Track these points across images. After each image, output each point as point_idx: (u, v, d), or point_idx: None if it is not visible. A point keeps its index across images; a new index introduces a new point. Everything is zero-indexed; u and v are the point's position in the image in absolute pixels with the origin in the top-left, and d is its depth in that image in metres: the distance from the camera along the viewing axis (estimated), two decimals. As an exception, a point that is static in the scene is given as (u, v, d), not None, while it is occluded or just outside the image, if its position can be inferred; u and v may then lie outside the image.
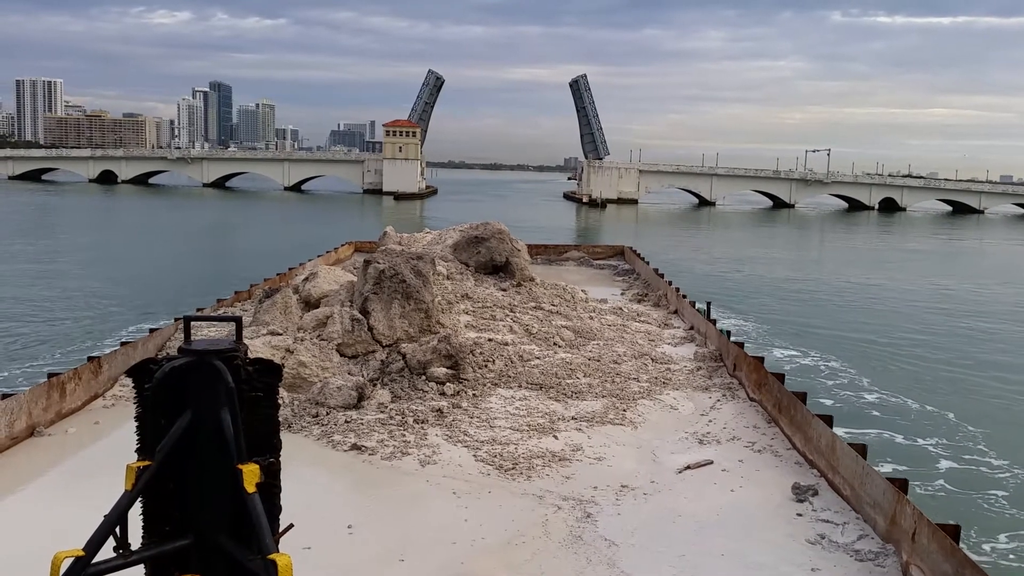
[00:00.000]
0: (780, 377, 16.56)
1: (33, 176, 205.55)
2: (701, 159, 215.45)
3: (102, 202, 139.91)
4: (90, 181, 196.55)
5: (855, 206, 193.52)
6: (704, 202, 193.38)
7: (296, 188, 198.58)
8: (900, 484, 10.76)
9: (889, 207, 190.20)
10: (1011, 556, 17.22)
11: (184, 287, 46.58)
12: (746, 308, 46.85)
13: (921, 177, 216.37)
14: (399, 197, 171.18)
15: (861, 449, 12.13)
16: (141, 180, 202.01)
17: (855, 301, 52.01)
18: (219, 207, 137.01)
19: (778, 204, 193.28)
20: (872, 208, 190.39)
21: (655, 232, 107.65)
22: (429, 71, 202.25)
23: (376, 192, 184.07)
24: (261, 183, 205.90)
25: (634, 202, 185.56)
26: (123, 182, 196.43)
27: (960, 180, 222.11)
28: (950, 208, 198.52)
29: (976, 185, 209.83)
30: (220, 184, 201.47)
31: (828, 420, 13.60)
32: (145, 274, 54.02)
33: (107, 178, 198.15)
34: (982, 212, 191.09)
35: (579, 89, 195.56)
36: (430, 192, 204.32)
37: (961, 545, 9.10)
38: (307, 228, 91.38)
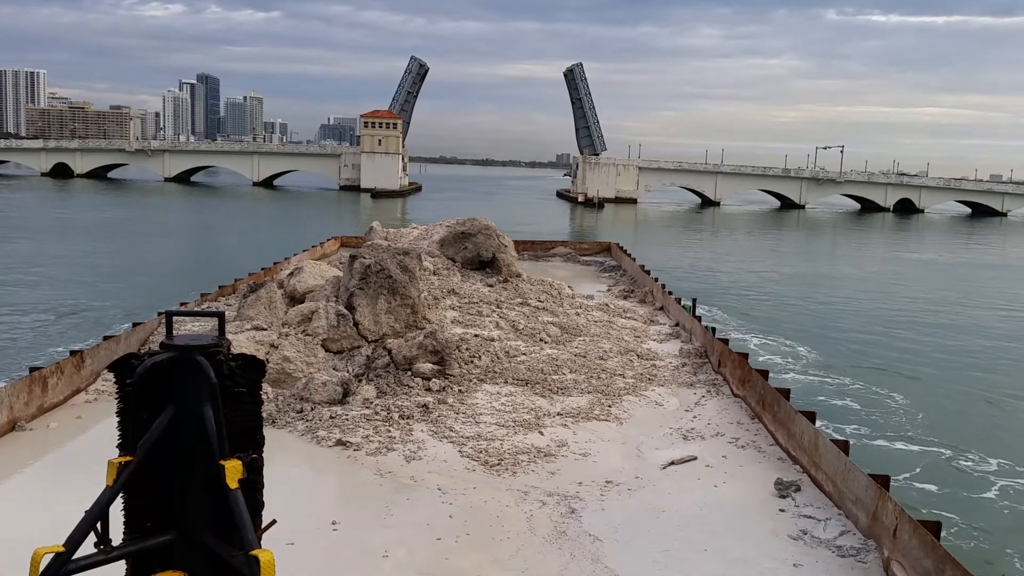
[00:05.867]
0: (764, 374, 16.67)
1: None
2: (704, 156, 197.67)
3: (37, 202, 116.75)
4: (43, 175, 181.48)
5: (868, 207, 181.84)
6: (708, 202, 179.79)
7: (267, 183, 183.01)
8: (882, 480, 10.86)
9: (905, 208, 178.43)
10: (992, 552, 17.39)
11: (161, 283, 46.22)
12: (732, 305, 46.89)
13: (939, 177, 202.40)
14: (376, 195, 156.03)
15: (844, 445, 12.23)
16: (99, 174, 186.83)
17: (852, 305, 50.32)
18: (170, 206, 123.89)
19: (787, 204, 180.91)
20: (887, 209, 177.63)
21: (660, 238, 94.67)
22: (412, 58, 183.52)
23: (354, 188, 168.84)
24: (229, 178, 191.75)
25: (633, 202, 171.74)
26: (79, 176, 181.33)
27: (981, 180, 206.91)
28: (969, 210, 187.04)
29: (999, 186, 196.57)
30: (184, 179, 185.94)
31: (811, 416, 13.71)
32: (124, 269, 53.62)
33: (62, 172, 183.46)
34: (1005, 215, 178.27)
35: (574, 79, 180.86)
36: (413, 189, 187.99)
37: (942, 541, 9.20)
38: (263, 234, 78.60)
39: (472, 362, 18.85)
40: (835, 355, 35.57)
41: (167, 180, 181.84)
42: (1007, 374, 34.17)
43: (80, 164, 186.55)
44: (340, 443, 14.13)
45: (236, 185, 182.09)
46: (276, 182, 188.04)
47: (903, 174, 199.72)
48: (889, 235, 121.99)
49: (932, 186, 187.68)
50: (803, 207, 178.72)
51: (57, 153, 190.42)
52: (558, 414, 16.16)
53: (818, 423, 13.83)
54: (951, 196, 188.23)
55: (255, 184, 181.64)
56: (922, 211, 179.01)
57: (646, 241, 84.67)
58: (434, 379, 17.44)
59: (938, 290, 59.10)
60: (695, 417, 16.44)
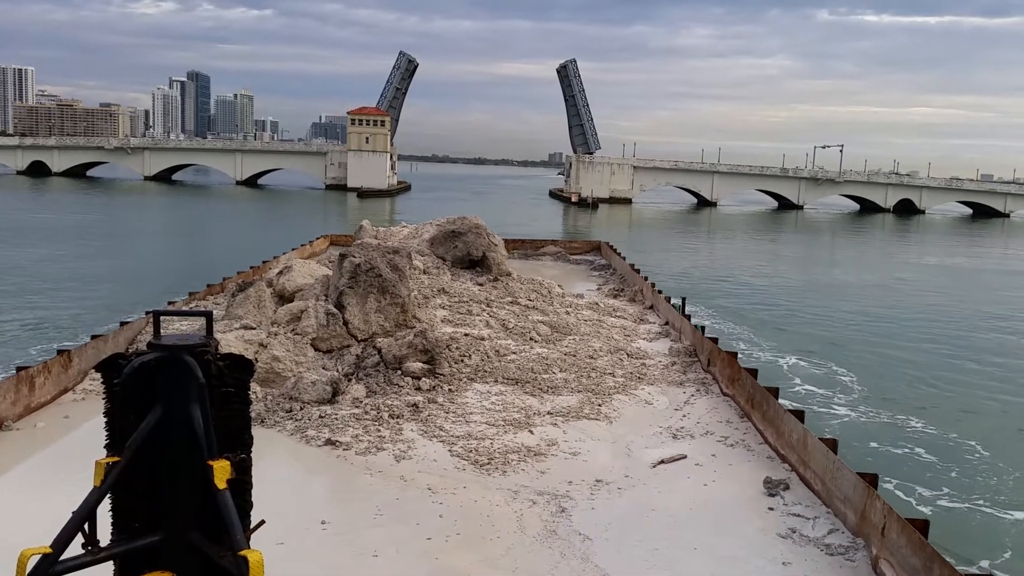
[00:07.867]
0: (753, 372, 16.73)
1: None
2: (700, 155, 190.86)
3: (11, 201, 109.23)
4: (18, 173, 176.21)
5: (868, 207, 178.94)
6: (704, 202, 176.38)
7: (251, 182, 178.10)
8: (870, 479, 10.91)
9: (905, 209, 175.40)
10: (980, 550, 17.48)
11: (148, 282, 45.91)
12: (722, 304, 46.91)
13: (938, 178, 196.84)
14: (363, 194, 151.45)
15: (832, 444, 12.28)
16: (78, 172, 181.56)
17: (880, 316, 45.94)
18: (150, 205, 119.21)
19: (785, 205, 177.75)
20: (887, 210, 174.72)
21: (656, 240, 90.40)
22: (400, 53, 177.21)
23: (340, 188, 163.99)
24: (212, 176, 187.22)
25: (628, 202, 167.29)
26: (56, 174, 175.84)
27: (983, 180, 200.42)
28: (970, 211, 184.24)
29: (1002, 186, 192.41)
30: (165, 177, 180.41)
31: (800, 415, 13.76)
32: (109, 269, 53.33)
33: (38, 170, 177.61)
34: (1007, 216, 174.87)
35: (568, 76, 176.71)
36: (401, 188, 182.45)
37: (930, 539, 9.25)
38: (249, 234, 75.28)
39: (462, 361, 18.84)
40: (876, 377, 31.82)
41: (147, 179, 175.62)
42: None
43: (58, 162, 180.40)
44: (330, 443, 14.09)
45: (219, 184, 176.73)
46: (260, 181, 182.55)
47: (897, 174, 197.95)
48: (893, 237, 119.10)
49: (933, 186, 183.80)
50: (801, 208, 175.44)
51: (34, 151, 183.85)
52: (548, 413, 16.16)
53: (807, 422, 13.86)
54: (952, 197, 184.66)
55: (238, 183, 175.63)
56: (923, 212, 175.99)
57: (642, 243, 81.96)
58: (424, 378, 17.41)
59: (966, 299, 55.40)
60: (685, 416, 16.49)
